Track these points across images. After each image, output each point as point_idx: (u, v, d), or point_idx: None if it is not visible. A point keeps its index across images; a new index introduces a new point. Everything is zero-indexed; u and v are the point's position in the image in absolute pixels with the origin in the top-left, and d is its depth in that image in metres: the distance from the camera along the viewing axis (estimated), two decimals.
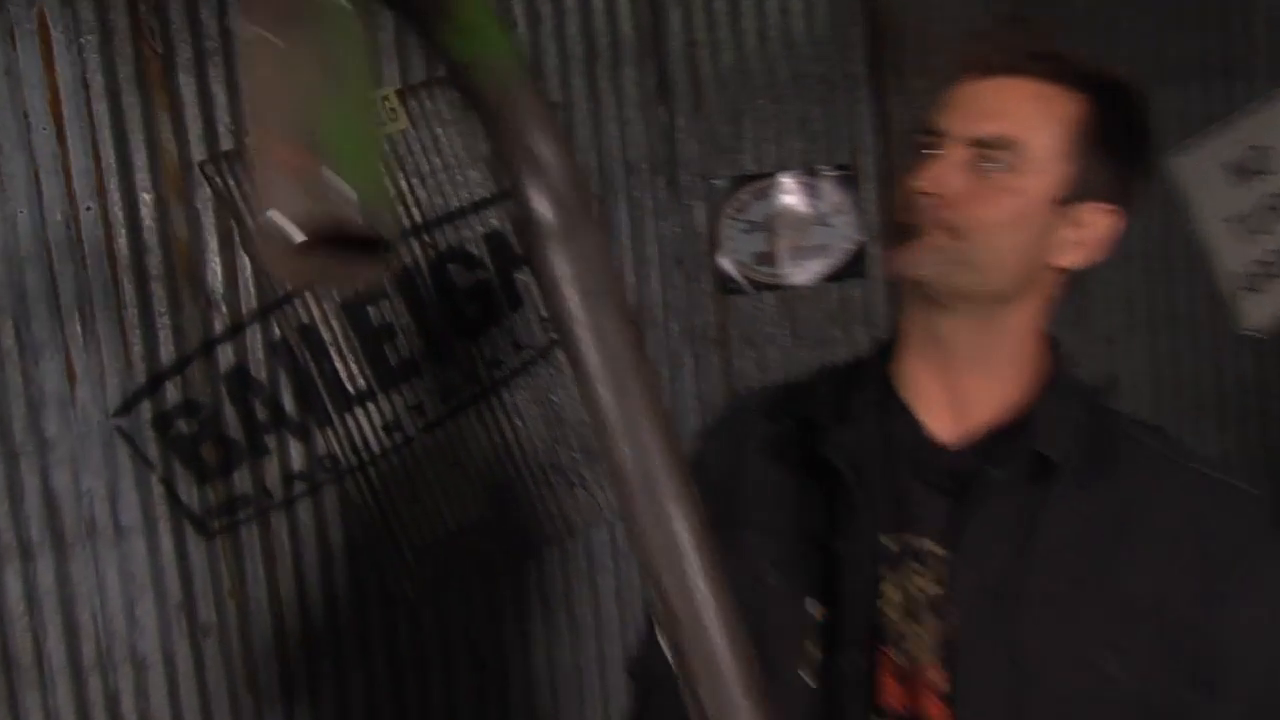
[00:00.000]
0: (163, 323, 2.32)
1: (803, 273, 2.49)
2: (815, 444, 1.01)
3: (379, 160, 0.42)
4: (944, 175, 0.91)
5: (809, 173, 2.47)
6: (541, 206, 0.52)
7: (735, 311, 2.49)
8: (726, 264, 2.49)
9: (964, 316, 0.96)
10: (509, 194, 2.28)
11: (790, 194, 2.48)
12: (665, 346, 2.53)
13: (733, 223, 2.48)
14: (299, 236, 0.39)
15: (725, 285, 2.50)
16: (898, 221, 0.94)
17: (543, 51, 2.45)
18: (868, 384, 1.04)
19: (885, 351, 1.08)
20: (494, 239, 2.40)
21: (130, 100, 2.28)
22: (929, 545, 0.98)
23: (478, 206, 2.38)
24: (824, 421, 1.02)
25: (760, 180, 2.46)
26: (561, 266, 0.52)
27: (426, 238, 2.36)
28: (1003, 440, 0.96)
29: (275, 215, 0.39)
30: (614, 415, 0.52)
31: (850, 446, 0.99)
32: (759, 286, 2.48)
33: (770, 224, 2.47)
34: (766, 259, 2.48)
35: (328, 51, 0.41)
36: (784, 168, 2.46)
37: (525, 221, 0.52)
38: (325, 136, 0.40)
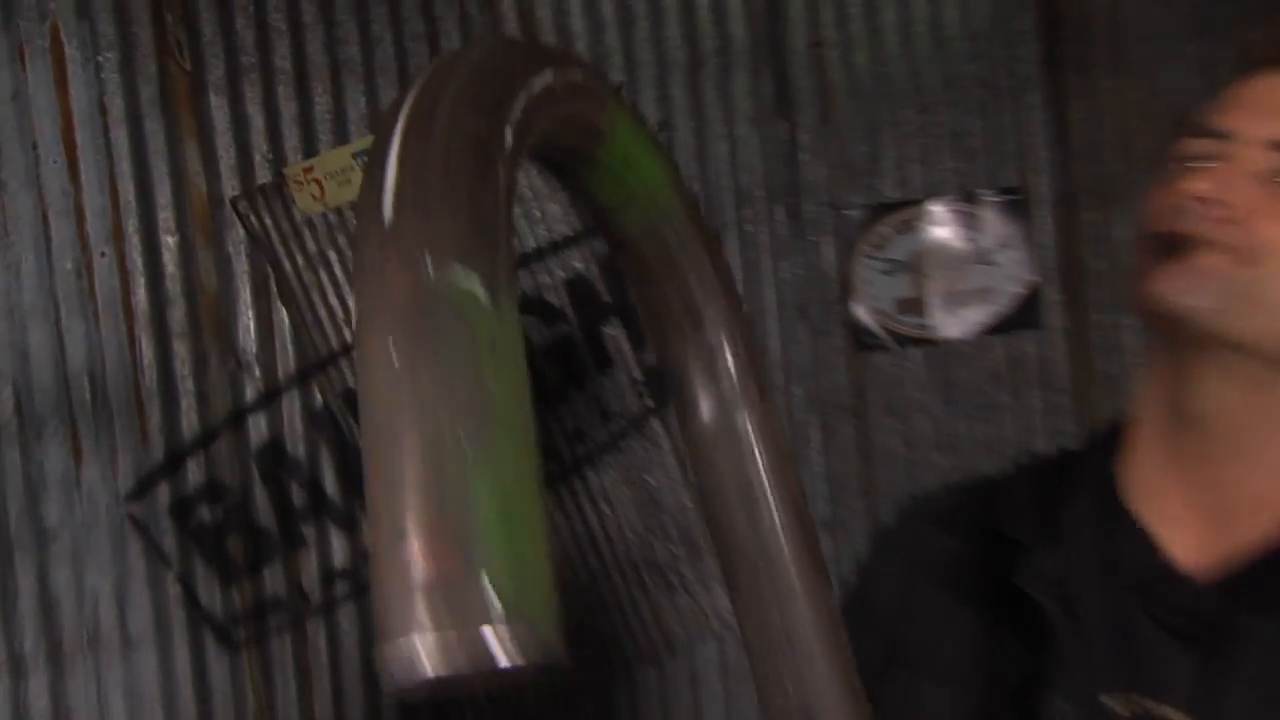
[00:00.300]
0: (185, 389, 2.24)
1: (959, 323, 2.33)
2: (1011, 570, 0.89)
3: (545, 543, 0.34)
4: (1233, 182, 0.79)
5: (966, 199, 2.33)
6: (707, 408, 0.50)
7: (873, 372, 2.36)
8: (862, 313, 2.35)
9: (1237, 381, 0.81)
10: (597, 231, 2.05)
11: (942, 226, 2.33)
12: (787, 416, 2.41)
13: (870, 263, 2.33)
14: (443, 672, 0.31)
15: (861, 340, 2.36)
16: (1153, 233, 0.81)
17: (637, 59, 2.36)
18: (1083, 488, 0.91)
19: (1107, 444, 0.95)
20: (578, 286, 2.29)
21: (153, 126, 2.22)
22: (1172, 715, 0.84)
23: (558, 247, 2.26)
24: (1023, 539, 0.90)
25: (904, 209, 2.33)
26: (720, 474, 0.50)
27: None
28: (1276, 571, 0.82)
29: (411, 644, 0.31)
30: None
31: (1059, 574, 0.87)
32: (903, 341, 2.35)
33: (917, 263, 2.33)
34: (912, 307, 2.33)
35: (473, 381, 0.34)
36: (934, 193, 2.33)
37: (682, 419, 0.51)
38: (477, 521, 0.32)
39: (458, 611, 0.32)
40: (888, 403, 2.39)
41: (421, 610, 0.32)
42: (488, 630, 0.32)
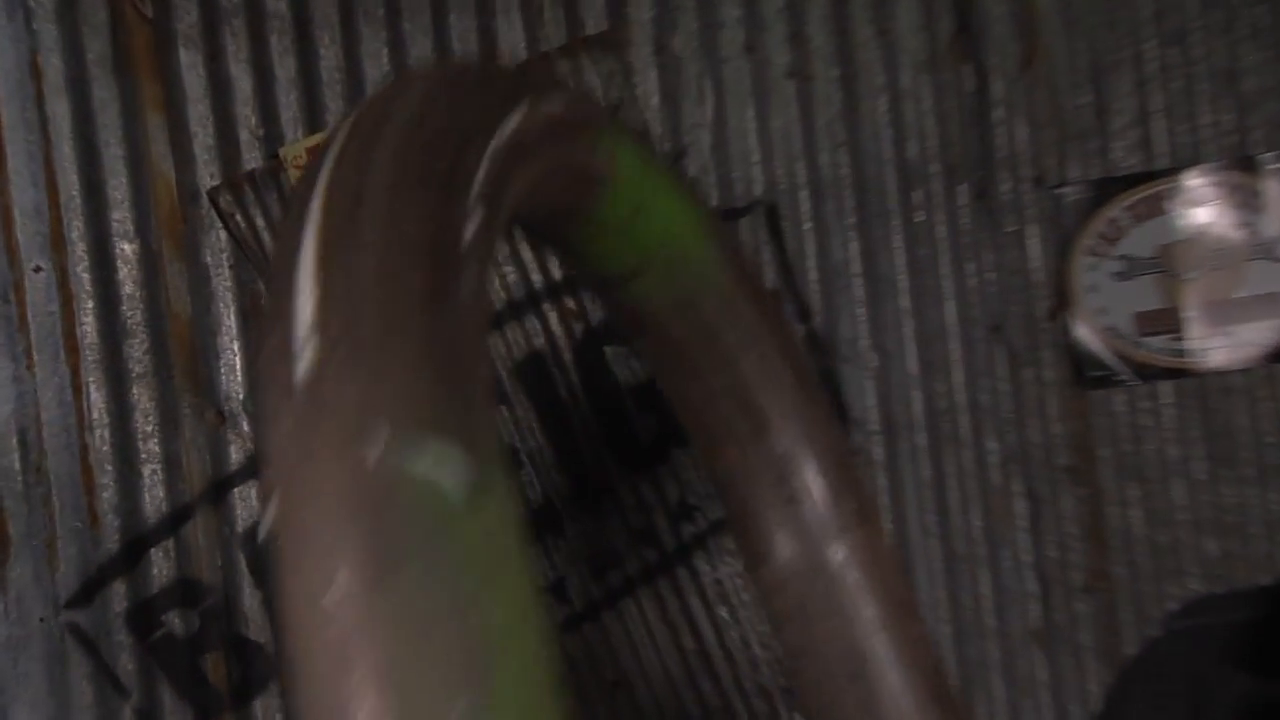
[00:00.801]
0: (148, 451, 1.85)
1: (1229, 346, 1.93)
2: None
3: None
4: None
5: (1241, 167, 1.92)
6: (785, 544, 0.44)
7: (1104, 418, 1.97)
8: (1085, 333, 1.95)
9: None
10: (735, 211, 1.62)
11: (1204, 206, 1.92)
12: (976, 479, 1.94)
13: (1096, 261, 1.93)
14: None
15: (1085, 372, 1.96)
16: None
17: None
18: None
19: None
20: None
21: (104, 94, 1.85)
22: None
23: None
24: None
25: (1146, 184, 1.93)
26: (812, 636, 0.45)
27: (568, 300, 1.88)
28: None
29: None
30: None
31: None
32: (1146, 373, 1.95)
33: (1167, 261, 1.92)
34: (1160, 323, 1.93)
35: (457, 610, 0.30)
36: (1191, 161, 1.93)
37: (750, 560, 0.47)
38: None
39: None
40: (1125, 461, 1.98)
41: None
42: None
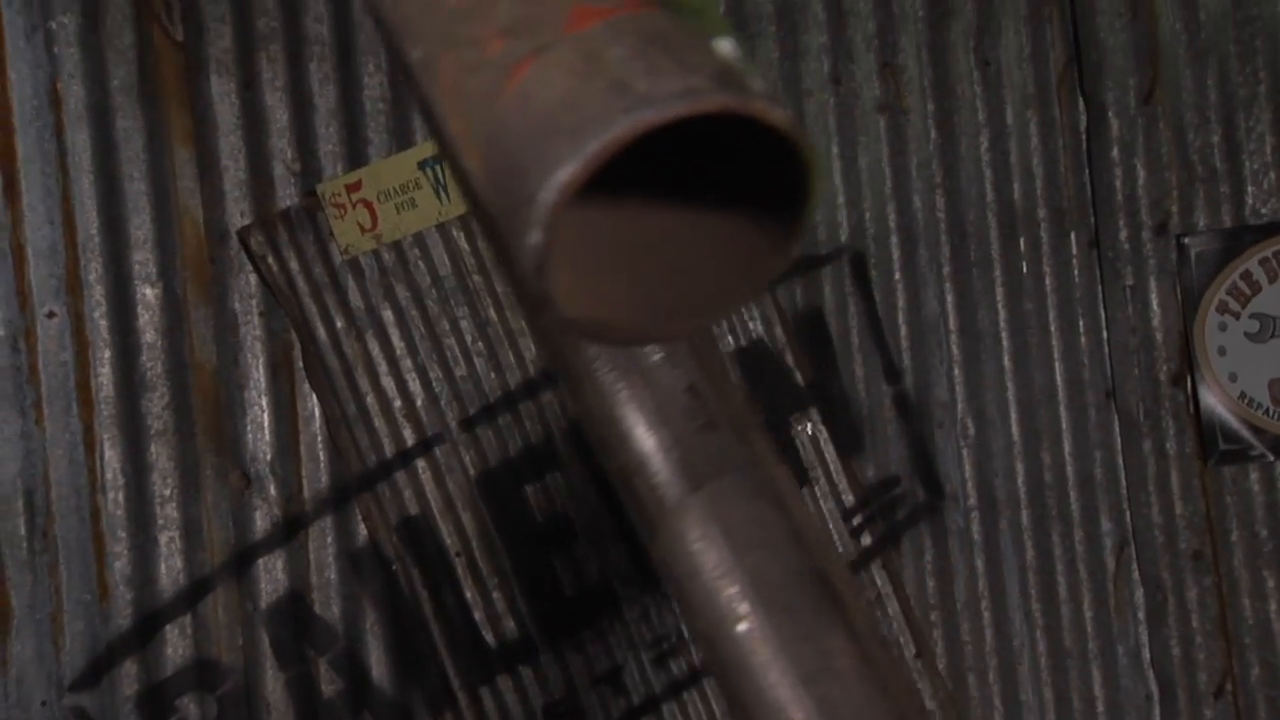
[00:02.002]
0: (166, 516, 1.80)
1: None
2: None
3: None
4: None
5: None
6: None
7: (1237, 497, 1.87)
8: (1214, 402, 1.87)
9: None
10: (788, 276, 1.80)
11: None
12: (1087, 564, 1.84)
13: (1226, 320, 1.87)
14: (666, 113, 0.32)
15: (1212, 444, 1.88)
16: None
17: (846, 8, 1.85)
18: None
19: None
20: (753, 358, 1.88)
21: (128, 124, 1.80)
22: None
23: None
24: None
25: None
26: None
27: None
28: None
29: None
30: None
31: None
32: None
33: None
34: None
35: None
36: None
37: None
38: None
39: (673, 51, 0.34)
40: (1259, 547, 1.87)
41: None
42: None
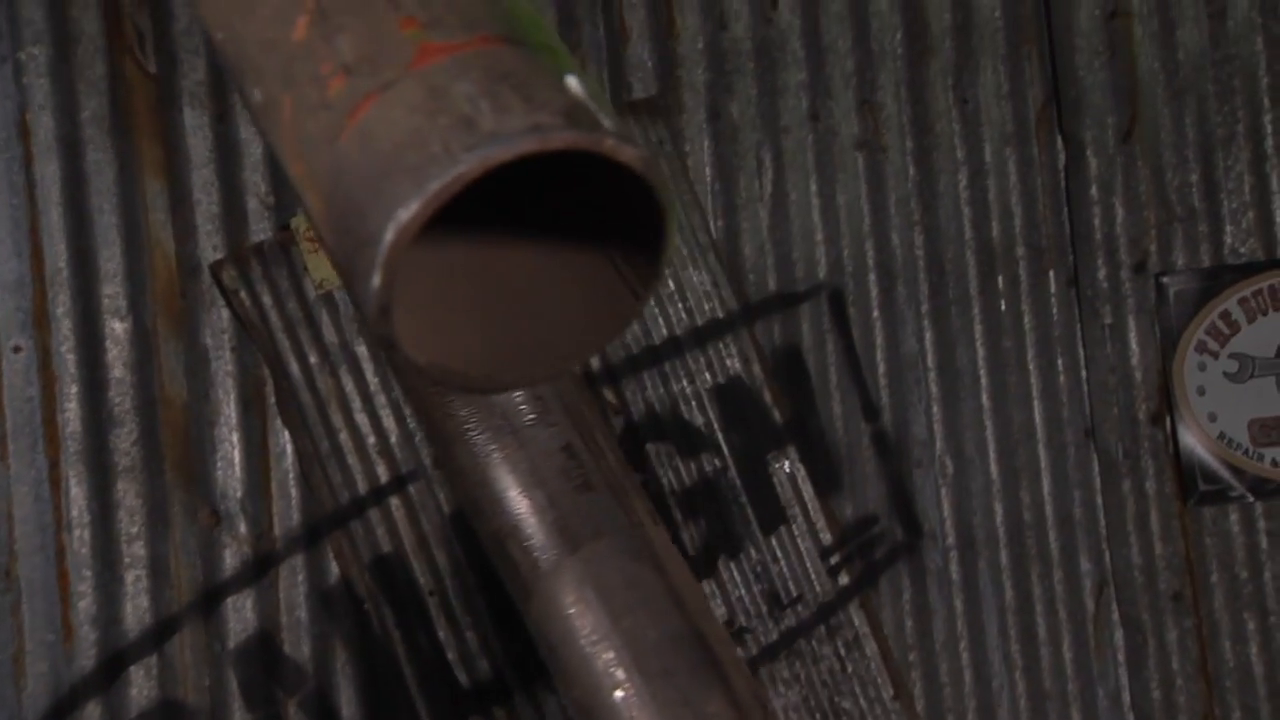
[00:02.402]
0: (132, 555, 1.77)
1: None
2: None
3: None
4: None
5: None
6: None
7: (1216, 539, 1.87)
8: (1193, 441, 1.87)
9: None
10: (762, 313, 1.87)
11: None
12: (1067, 605, 1.83)
13: (1205, 360, 1.88)
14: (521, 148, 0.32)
15: (1191, 485, 1.87)
16: None
17: (826, 46, 1.85)
18: None
19: None
20: (731, 395, 1.88)
21: (98, 156, 1.79)
22: None
23: (703, 336, 1.87)
24: None
25: (1266, 273, 1.87)
26: None
27: (608, 394, 1.85)
28: None
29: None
30: None
31: None
32: (1264, 489, 1.85)
33: None
34: None
35: None
36: None
37: None
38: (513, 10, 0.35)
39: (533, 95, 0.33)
40: (1239, 589, 1.86)
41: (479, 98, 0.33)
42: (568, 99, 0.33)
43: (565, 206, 0.38)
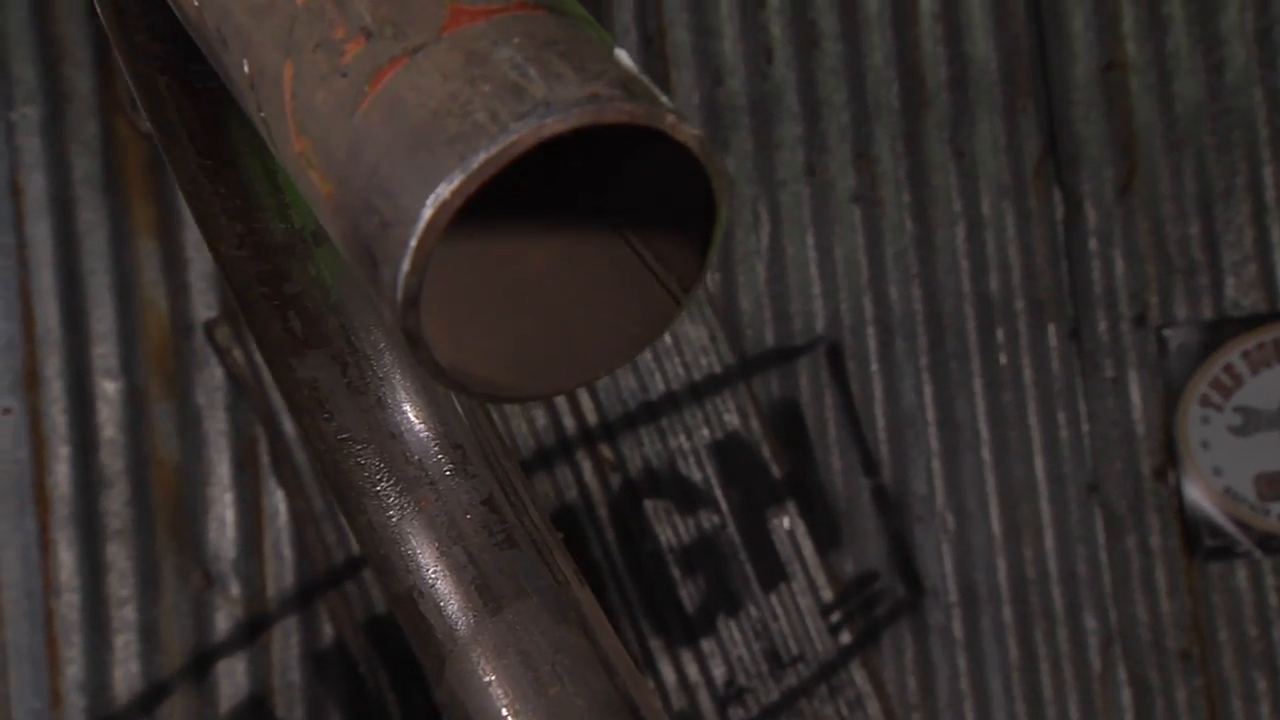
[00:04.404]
0: (123, 618, 1.73)
1: None
2: None
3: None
4: None
5: None
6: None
7: (1223, 595, 1.83)
8: (1198, 496, 1.83)
9: None
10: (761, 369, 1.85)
11: None
12: (1072, 662, 1.79)
13: (1209, 413, 1.84)
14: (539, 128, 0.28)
15: (1197, 540, 1.83)
16: None
17: (821, 99, 1.84)
18: None
19: None
20: (729, 450, 1.85)
21: (91, 216, 1.77)
22: None
23: (700, 391, 1.85)
24: None
25: (1268, 326, 1.85)
26: None
27: (604, 450, 1.84)
28: None
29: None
30: None
31: None
32: (1271, 545, 1.82)
33: None
34: None
35: None
36: None
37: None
38: None
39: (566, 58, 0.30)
40: (1248, 647, 1.82)
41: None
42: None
43: (582, 201, 0.35)
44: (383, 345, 0.49)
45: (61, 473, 1.69)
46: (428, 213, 0.28)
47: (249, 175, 0.47)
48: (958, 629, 1.72)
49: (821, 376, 1.74)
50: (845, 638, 1.75)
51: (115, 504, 1.70)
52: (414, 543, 0.47)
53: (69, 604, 1.67)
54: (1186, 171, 1.82)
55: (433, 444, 0.48)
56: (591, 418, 1.76)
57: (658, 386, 1.76)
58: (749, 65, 1.79)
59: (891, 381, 1.75)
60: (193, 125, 0.47)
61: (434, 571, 0.47)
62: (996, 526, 1.76)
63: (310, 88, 0.32)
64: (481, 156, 0.28)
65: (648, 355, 1.82)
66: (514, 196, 0.32)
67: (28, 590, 1.65)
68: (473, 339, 0.33)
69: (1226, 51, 1.85)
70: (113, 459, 1.70)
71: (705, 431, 1.78)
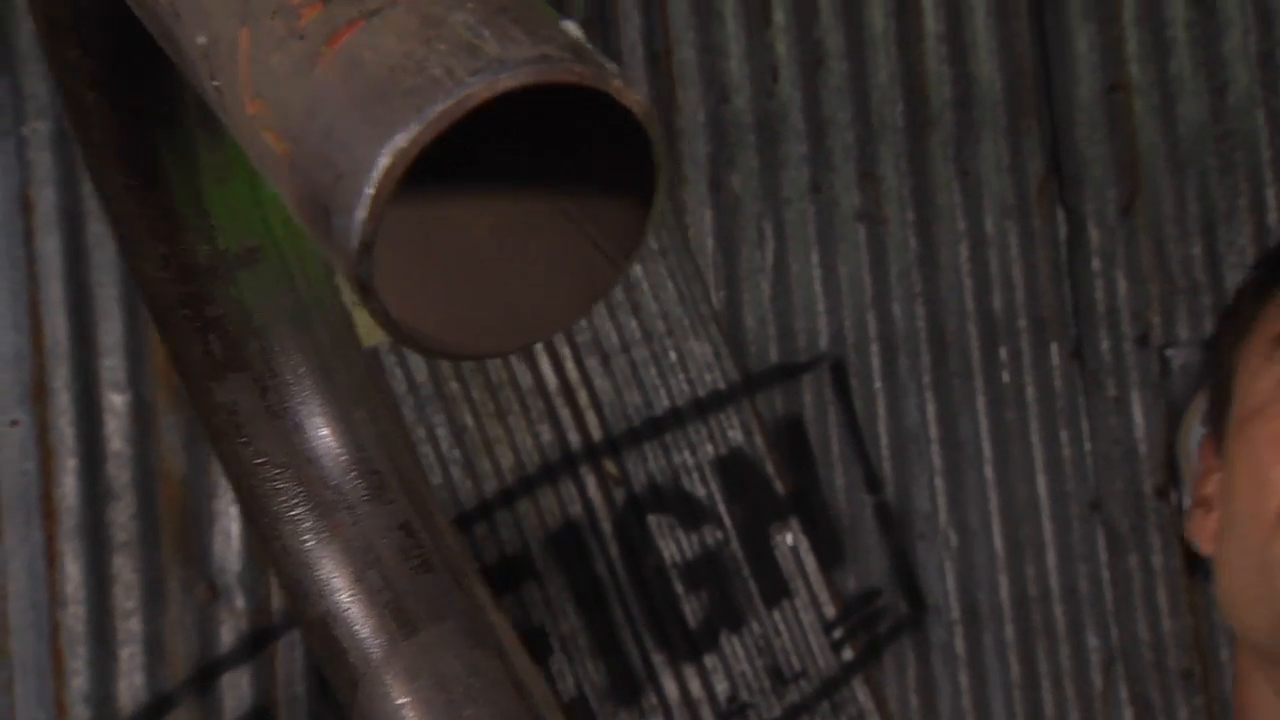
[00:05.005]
0: (128, 631, 1.72)
1: None
2: None
3: None
4: None
5: None
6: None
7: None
8: None
9: None
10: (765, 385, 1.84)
11: None
12: (1074, 681, 1.79)
13: None
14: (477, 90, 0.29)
15: (1201, 560, 1.69)
16: None
17: (825, 119, 1.85)
18: None
19: None
20: (735, 469, 1.85)
21: (101, 229, 1.76)
22: None
23: (704, 408, 1.85)
24: None
25: None
26: None
27: (609, 465, 1.83)
28: None
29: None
30: None
31: None
32: None
33: None
34: None
35: None
36: None
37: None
38: None
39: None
40: None
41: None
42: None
43: (528, 171, 0.36)
44: (303, 370, 0.49)
45: (68, 485, 1.68)
46: (384, 161, 0.29)
47: (176, 197, 0.47)
48: (960, 646, 1.71)
49: (825, 393, 1.74)
50: (848, 654, 1.74)
51: (122, 516, 1.69)
52: (329, 567, 0.47)
53: (74, 615, 1.66)
54: (1189, 193, 1.82)
55: (350, 469, 0.48)
56: (596, 433, 1.76)
57: (662, 402, 1.76)
58: (754, 83, 1.80)
59: (895, 399, 1.75)
60: (120, 144, 0.47)
61: (349, 596, 0.47)
62: (999, 544, 1.76)
63: (266, 52, 0.32)
64: (438, 108, 0.29)
65: (652, 371, 1.82)
66: (463, 166, 0.33)
67: (33, 601, 1.64)
68: (423, 302, 0.34)
69: (1230, 74, 1.85)
70: (119, 471, 1.70)
71: (709, 447, 1.77)
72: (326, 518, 0.48)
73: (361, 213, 0.29)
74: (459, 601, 0.47)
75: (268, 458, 0.49)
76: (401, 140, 0.29)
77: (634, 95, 0.31)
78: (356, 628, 0.47)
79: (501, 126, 0.33)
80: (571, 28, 0.31)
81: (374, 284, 0.31)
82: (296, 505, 0.48)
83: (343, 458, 0.49)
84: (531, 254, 0.36)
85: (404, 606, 0.47)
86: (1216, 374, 0.75)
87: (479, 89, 0.29)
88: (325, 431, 0.49)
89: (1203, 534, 0.78)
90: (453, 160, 0.33)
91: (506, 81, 0.29)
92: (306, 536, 0.48)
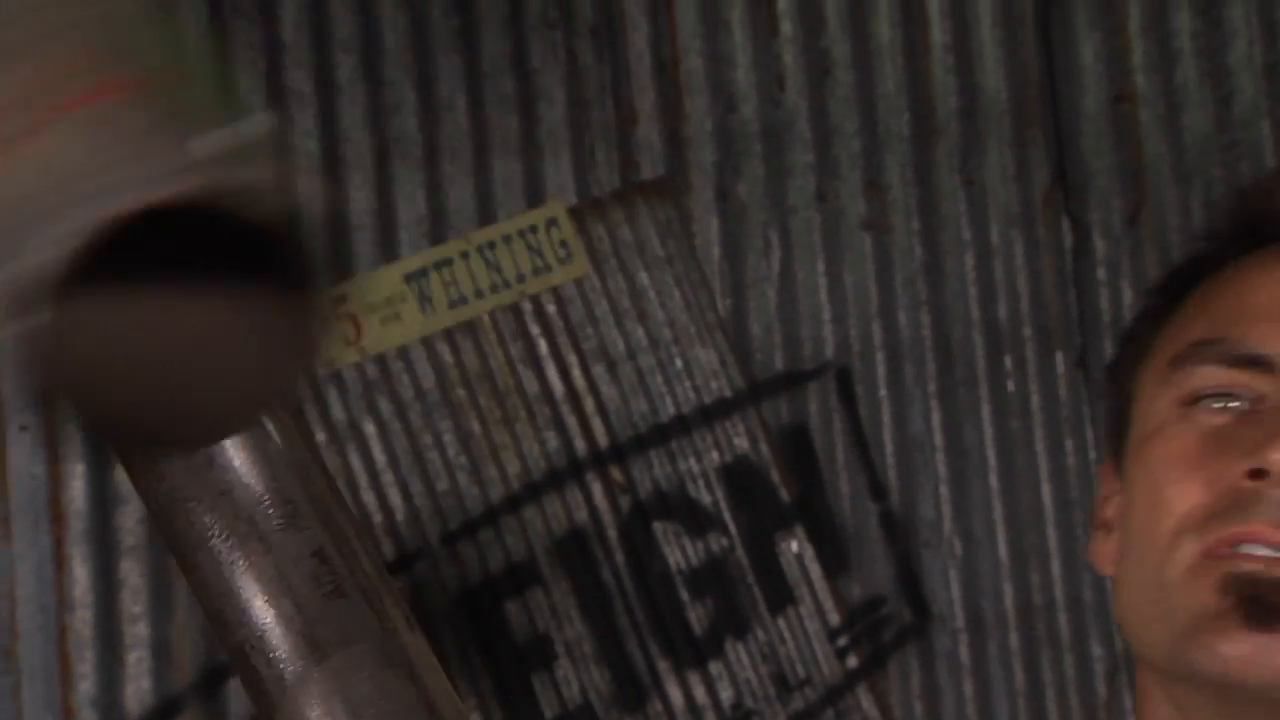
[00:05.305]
0: (135, 634, 1.70)
1: None
2: None
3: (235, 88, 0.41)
4: None
5: None
6: None
7: None
8: None
9: None
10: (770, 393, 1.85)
11: None
12: (1079, 689, 1.79)
13: None
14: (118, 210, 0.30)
15: None
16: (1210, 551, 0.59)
17: (832, 128, 1.85)
18: None
19: None
20: (740, 476, 1.85)
21: None
22: None
23: (710, 415, 1.85)
24: None
25: None
26: None
27: (615, 472, 1.82)
28: None
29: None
30: None
31: None
32: None
33: None
34: None
35: None
36: None
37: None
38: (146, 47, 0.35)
39: (158, 134, 0.32)
40: None
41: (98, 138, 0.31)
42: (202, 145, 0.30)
43: (220, 266, 0.36)
44: None
45: (77, 489, 1.68)
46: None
47: None
48: (964, 654, 1.72)
49: (830, 401, 1.75)
50: (852, 662, 1.75)
51: (129, 521, 1.69)
52: (245, 596, 0.48)
53: (82, 620, 1.66)
54: (1194, 202, 1.83)
55: (264, 499, 0.49)
56: (602, 440, 1.76)
57: (668, 410, 1.77)
58: (761, 92, 1.80)
59: (900, 407, 1.76)
60: None
61: (264, 623, 0.48)
62: (1003, 552, 1.77)
63: None
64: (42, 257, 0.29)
65: (658, 379, 1.83)
66: (162, 265, 0.33)
67: (41, 605, 1.64)
68: (118, 388, 0.34)
69: (1235, 84, 1.86)
70: (126, 477, 1.71)
71: (715, 455, 1.78)
72: (240, 548, 0.50)
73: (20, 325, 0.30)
74: (371, 625, 0.49)
75: (182, 492, 0.50)
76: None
77: (262, 208, 0.30)
78: (271, 655, 0.49)
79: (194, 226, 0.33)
80: (211, 142, 0.31)
81: (52, 392, 0.32)
82: (212, 538, 0.49)
83: (256, 489, 0.50)
84: (228, 349, 0.36)
85: (315, 632, 0.49)
86: (1116, 398, 0.75)
87: (97, 219, 0.29)
88: (238, 464, 0.50)
89: (1102, 557, 0.78)
90: (155, 260, 0.33)
91: (104, 214, 0.30)
92: (222, 568, 0.50)
